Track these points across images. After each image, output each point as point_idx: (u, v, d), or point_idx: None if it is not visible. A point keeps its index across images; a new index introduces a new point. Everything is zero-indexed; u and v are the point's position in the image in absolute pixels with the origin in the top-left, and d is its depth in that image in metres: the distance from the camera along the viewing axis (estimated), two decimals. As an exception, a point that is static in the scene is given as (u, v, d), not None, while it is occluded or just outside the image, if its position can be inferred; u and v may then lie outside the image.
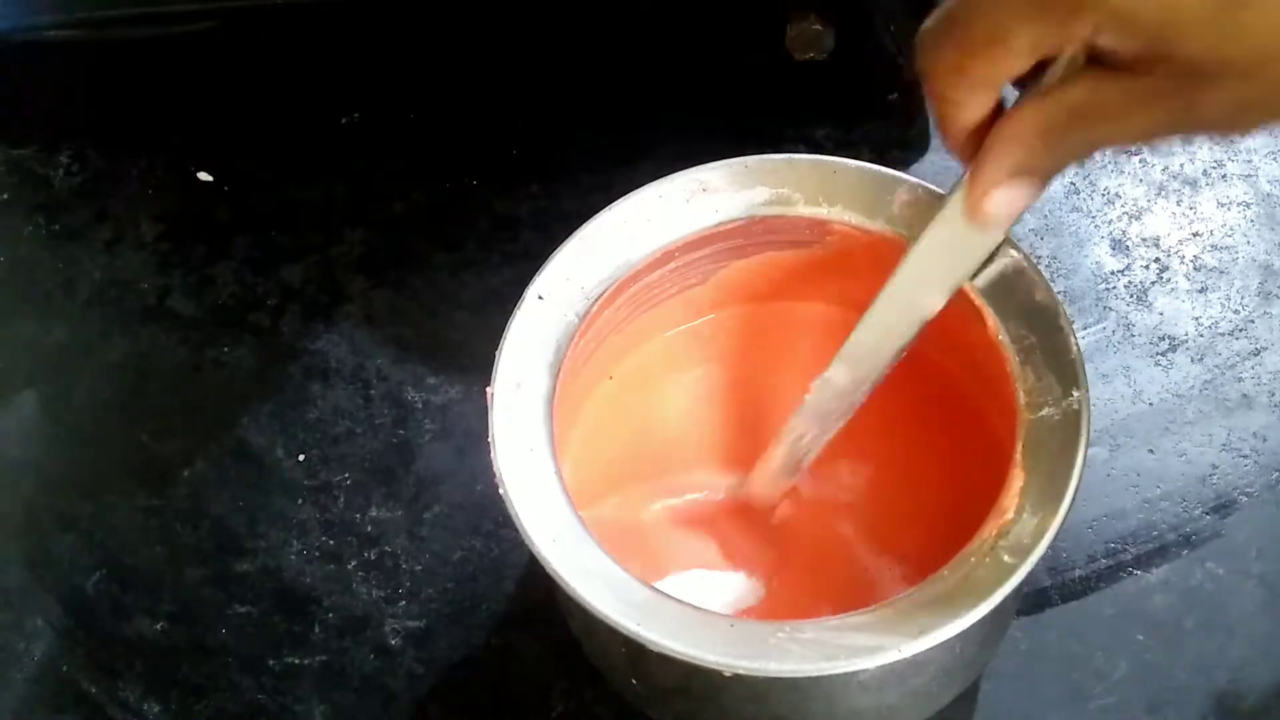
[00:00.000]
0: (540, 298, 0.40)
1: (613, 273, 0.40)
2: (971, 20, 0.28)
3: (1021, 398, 0.36)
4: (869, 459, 0.43)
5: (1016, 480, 0.35)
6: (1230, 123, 0.28)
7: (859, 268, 0.40)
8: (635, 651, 0.33)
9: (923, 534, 0.40)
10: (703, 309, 0.45)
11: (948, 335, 0.39)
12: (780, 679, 0.33)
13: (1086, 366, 0.36)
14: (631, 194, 0.41)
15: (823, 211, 0.40)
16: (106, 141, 0.60)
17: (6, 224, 0.58)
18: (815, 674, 0.32)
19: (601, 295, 0.40)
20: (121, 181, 0.59)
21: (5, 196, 0.59)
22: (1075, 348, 0.36)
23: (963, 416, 0.41)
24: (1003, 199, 0.31)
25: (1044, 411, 0.35)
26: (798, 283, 0.44)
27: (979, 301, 0.38)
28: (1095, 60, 0.28)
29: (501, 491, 0.36)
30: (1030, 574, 0.33)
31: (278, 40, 0.61)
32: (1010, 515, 0.34)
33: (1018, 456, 0.35)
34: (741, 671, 0.32)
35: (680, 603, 0.34)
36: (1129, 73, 0.27)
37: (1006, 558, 0.33)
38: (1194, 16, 0.25)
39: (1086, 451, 0.34)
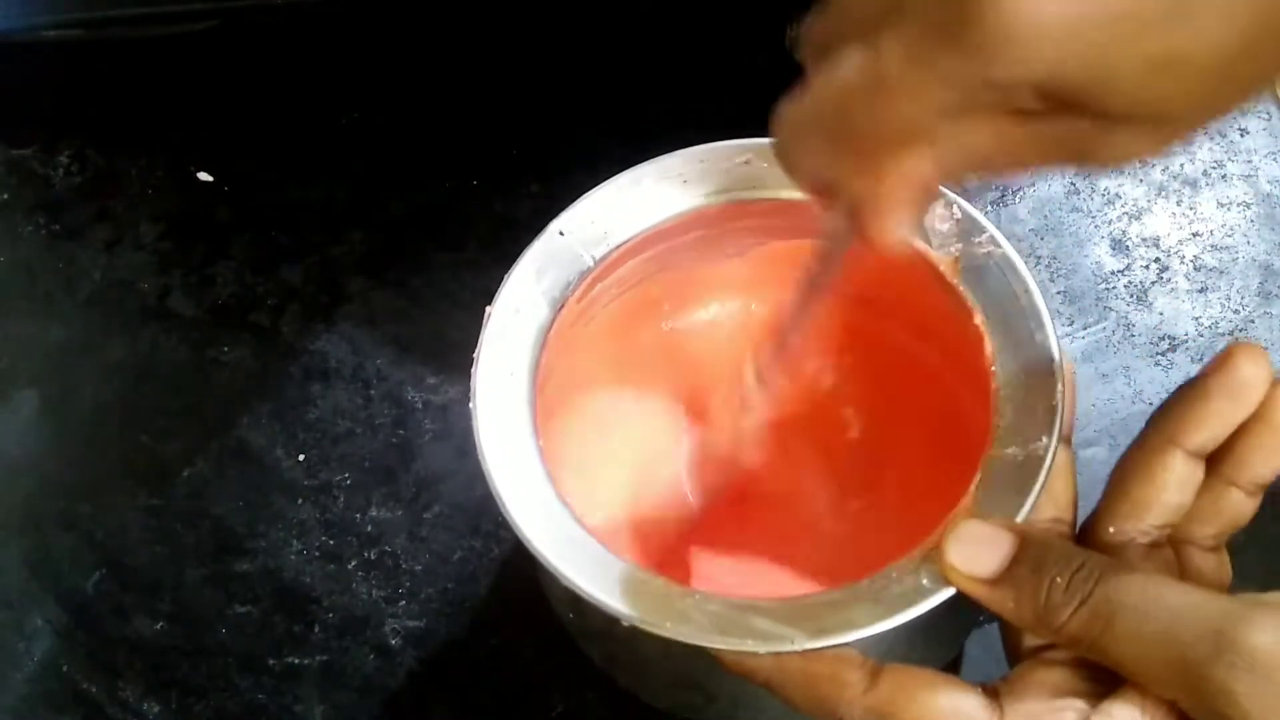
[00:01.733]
0: (561, 233, 0.40)
1: (641, 225, 0.40)
2: (870, 117, 0.26)
3: (993, 431, 0.36)
4: (855, 443, 0.43)
5: (960, 512, 0.34)
6: (1120, 159, 0.27)
7: (892, 274, 0.40)
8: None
9: (884, 530, 0.40)
10: (736, 283, 0.44)
11: (955, 353, 0.39)
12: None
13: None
14: (674, 153, 0.41)
15: None
16: (106, 141, 0.60)
17: (6, 224, 0.58)
18: (703, 644, 0.33)
19: (624, 244, 0.40)
20: (121, 181, 0.59)
21: (5, 196, 0.59)
22: (1060, 396, 0.36)
23: (941, 425, 0.41)
24: (901, 232, 0.30)
25: (1009, 450, 0.35)
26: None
27: (983, 329, 0.37)
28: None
29: (471, 405, 0.36)
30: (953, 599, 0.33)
31: (278, 40, 0.61)
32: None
33: (971, 488, 0.35)
34: (636, 625, 0.33)
35: (606, 549, 0.35)
36: (1033, 117, 0.26)
37: (925, 581, 0.33)
38: (1120, 78, 0.24)
39: (1037, 500, 0.34)
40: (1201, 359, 0.50)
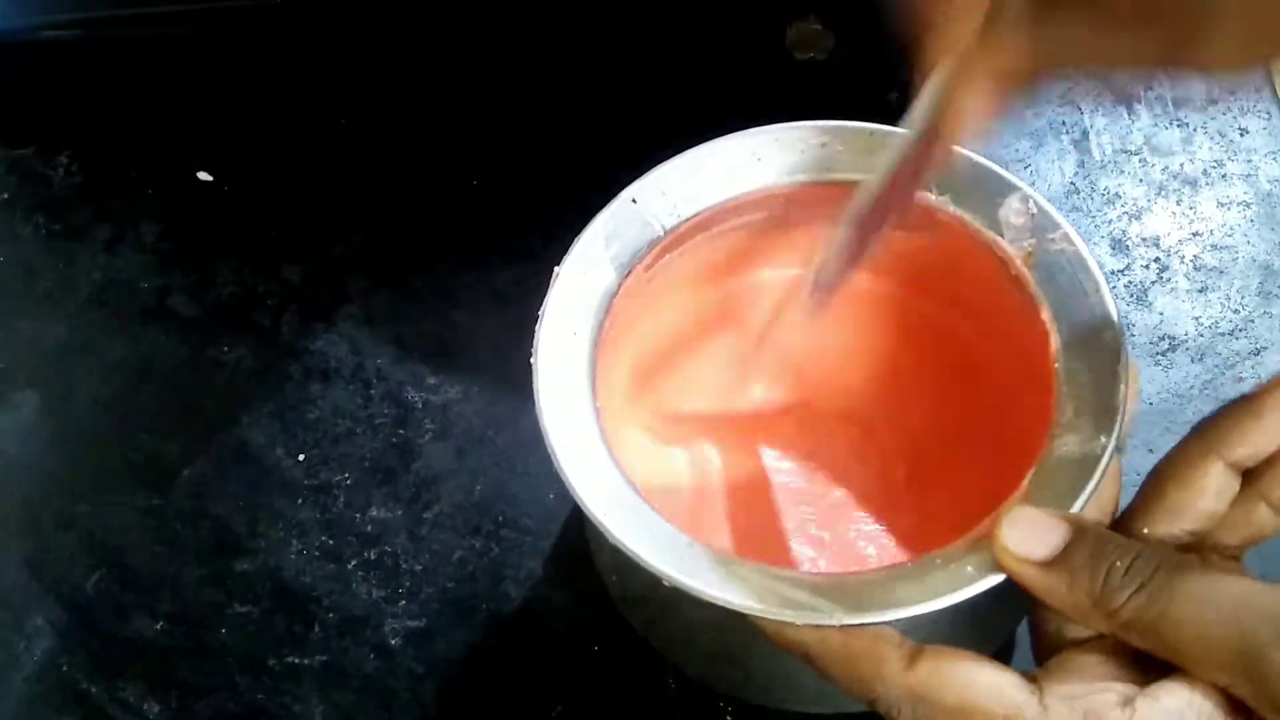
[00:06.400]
0: (634, 200, 0.40)
1: (713, 198, 0.40)
2: None
3: (1051, 428, 0.36)
4: (904, 425, 0.43)
5: (1014, 504, 0.34)
6: (1228, 59, 0.26)
7: (961, 263, 0.40)
8: (612, 545, 0.34)
9: (936, 510, 0.40)
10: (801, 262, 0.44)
11: (1019, 346, 0.39)
12: (727, 610, 0.33)
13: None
14: (751, 130, 0.41)
15: (930, 198, 0.40)
16: (106, 141, 0.60)
17: (6, 224, 0.58)
18: (741, 610, 0.33)
19: (695, 216, 0.40)
20: (121, 181, 0.59)
21: (5, 196, 0.59)
22: (1122, 395, 0.35)
23: (999, 418, 0.41)
24: (976, 123, 0.31)
25: (1066, 447, 0.35)
26: (899, 263, 0.43)
27: (1050, 325, 0.37)
28: None
29: (531, 361, 0.37)
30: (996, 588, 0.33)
31: (277, 40, 0.61)
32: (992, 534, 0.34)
33: (1024, 483, 0.35)
34: (676, 585, 0.33)
35: (655, 511, 0.35)
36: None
37: (971, 568, 0.33)
38: None
39: (1089, 498, 0.34)
40: (1201, 359, 0.50)
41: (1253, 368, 0.50)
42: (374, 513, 0.49)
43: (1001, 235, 0.39)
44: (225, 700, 0.45)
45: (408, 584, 0.47)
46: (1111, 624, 0.31)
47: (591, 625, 0.45)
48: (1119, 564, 0.31)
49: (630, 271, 0.39)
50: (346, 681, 0.45)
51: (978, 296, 0.41)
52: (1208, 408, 0.48)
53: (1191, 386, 0.49)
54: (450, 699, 0.45)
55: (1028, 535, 0.32)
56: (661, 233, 0.40)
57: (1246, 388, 0.49)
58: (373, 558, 0.48)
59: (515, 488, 0.49)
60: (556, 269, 0.39)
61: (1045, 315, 0.37)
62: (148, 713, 0.45)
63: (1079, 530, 0.32)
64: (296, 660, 0.46)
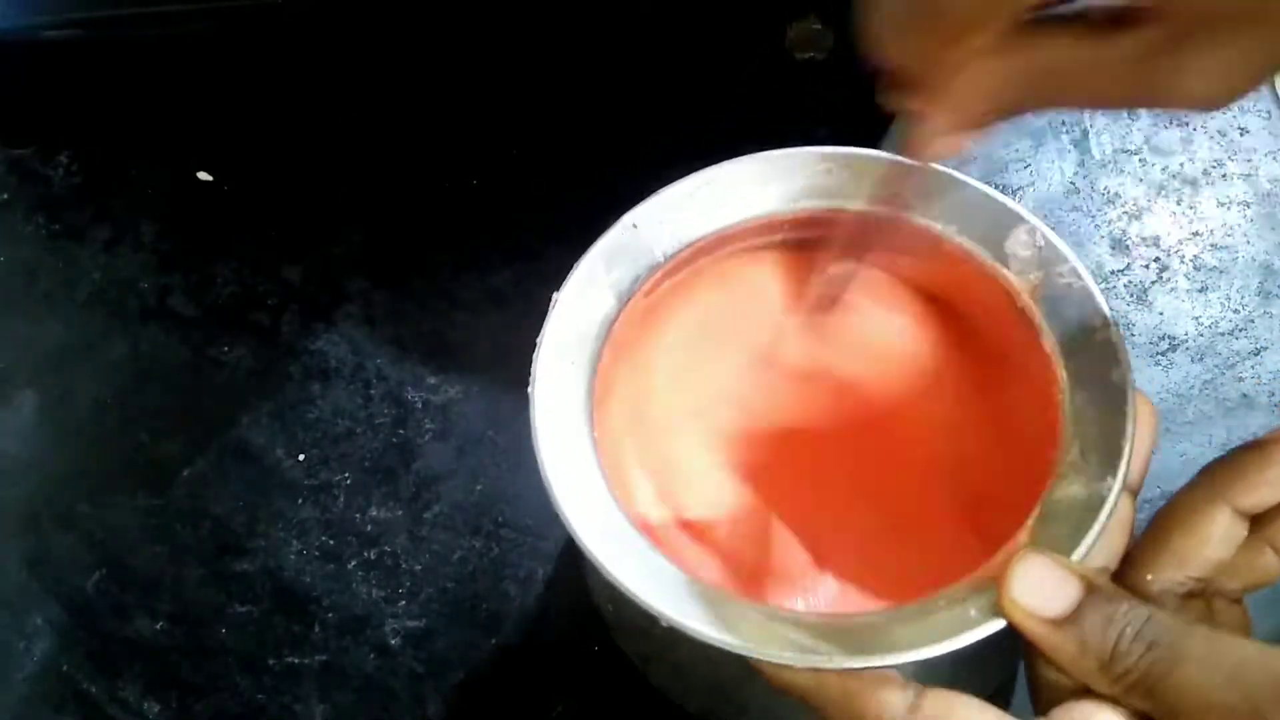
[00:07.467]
0: (634, 226, 0.39)
1: (714, 224, 0.40)
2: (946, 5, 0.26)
3: (1057, 466, 0.35)
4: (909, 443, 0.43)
5: (1019, 545, 0.34)
6: (1195, 95, 0.25)
7: (964, 294, 0.40)
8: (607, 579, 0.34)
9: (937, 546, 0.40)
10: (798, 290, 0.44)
11: (1024, 382, 0.39)
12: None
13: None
14: (753, 155, 0.40)
15: (937, 227, 0.39)
16: (106, 141, 0.60)
17: (6, 224, 0.58)
18: (737, 651, 0.32)
19: (696, 242, 0.40)
20: (121, 181, 0.59)
21: (5, 196, 0.59)
22: (1130, 437, 0.35)
23: (1008, 456, 0.41)
24: (942, 151, 0.31)
25: (1072, 488, 0.34)
26: (903, 292, 0.43)
27: (1056, 360, 0.37)
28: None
29: (529, 391, 0.36)
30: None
31: (278, 40, 0.61)
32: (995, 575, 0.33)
33: (1029, 523, 0.34)
34: (672, 624, 0.33)
35: (653, 547, 0.34)
36: (1113, 28, 0.25)
37: (973, 612, 0.32)
38: None
39: (1095, 542, 0.33)
40: (1201, 359, 0.50)
41: (1253, 368, 0.50)
42: (374, 513, 0.49)
43: (1007, 267, 0.38)
44: (225, 700, 0.45)
45: (408, 584, 0.47)
46: (1114, 687, 0.31)
47: (592, 625, 0.45)
48: (1129, 630, 0.31)
49: (631, 298, 0.39)
50: (346, 681, 0.45)
51: (984, 331, 0.41)
52: (1208, 408, 0.49)
53: (1191, 386, 0.49)
54: (450, 699, 0.45)
55: (1038, 589, 0.32)
56: (662, 259, 0.39)
57: (1247, 388, 0.49)
58: (373, 558, 0.48)
59: (515, 488, 0.49)
60: (555, 295, 0.38)
61: (1051, 349, 0.37)
62: (147, 713, 0.45)
63: (1091, 589, 0.32)
64: (296, 660, 0.46)
